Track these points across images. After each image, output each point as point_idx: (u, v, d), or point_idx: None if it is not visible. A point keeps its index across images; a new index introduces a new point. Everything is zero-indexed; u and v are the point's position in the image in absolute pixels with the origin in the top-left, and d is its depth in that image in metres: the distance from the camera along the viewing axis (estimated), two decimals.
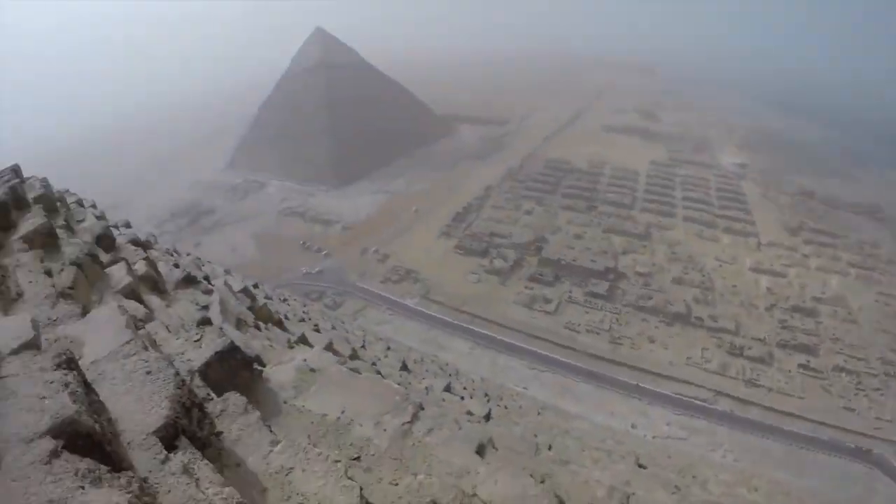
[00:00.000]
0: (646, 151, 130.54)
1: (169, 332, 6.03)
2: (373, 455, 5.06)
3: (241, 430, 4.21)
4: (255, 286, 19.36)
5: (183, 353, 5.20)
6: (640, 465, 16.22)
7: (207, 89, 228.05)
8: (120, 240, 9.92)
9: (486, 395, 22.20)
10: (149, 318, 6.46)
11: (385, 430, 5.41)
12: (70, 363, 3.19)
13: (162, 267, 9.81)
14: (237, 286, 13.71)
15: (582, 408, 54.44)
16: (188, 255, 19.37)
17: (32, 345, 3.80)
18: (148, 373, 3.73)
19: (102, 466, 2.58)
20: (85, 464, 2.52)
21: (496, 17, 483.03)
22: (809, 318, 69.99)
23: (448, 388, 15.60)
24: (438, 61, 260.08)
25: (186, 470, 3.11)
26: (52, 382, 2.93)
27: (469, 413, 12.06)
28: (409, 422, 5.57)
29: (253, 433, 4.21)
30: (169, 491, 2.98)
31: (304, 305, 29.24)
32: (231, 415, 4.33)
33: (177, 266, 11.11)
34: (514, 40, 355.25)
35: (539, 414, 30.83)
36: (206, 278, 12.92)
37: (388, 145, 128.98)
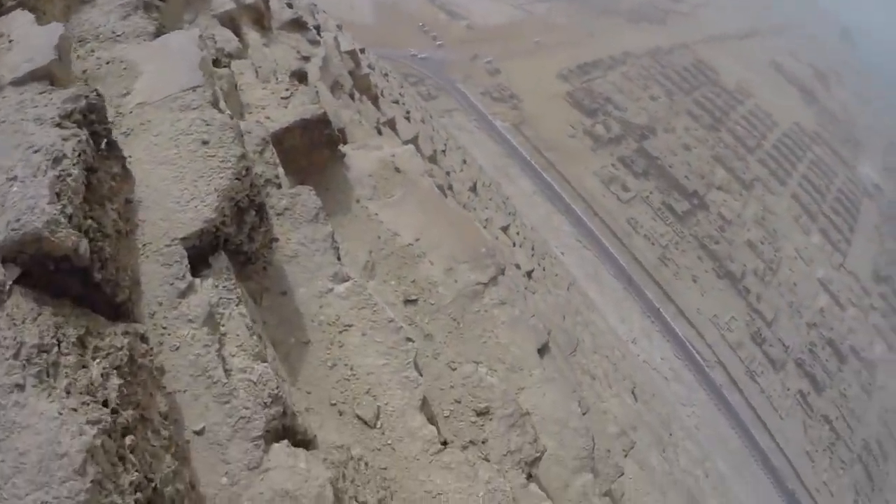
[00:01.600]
0: (795, 110, 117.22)
1: (257, 77, 5.13)
2: (432, 304, 4.44)
3: (302, 244, 3.48)
4: (363, 51, 17.58)
5: (263, 109, 4.55)
6: (633, 394, 17.27)
7: None
8: None
9: (533, 248, 21.35)
10: (239, 54, 5.42)
11: (456, 281, 4.70)
12: (90, 113, 2.26)
13: (273, 3, 8.50)
14: (345, 45, 12.67)
15: (602, 299, 52.64)
16: None
17: (46, 75, 2.54)
18: (204, 143, 2.83)
19: (70, 329, 1.76)
20: (43, 322, 1.69)
21: None
22: (836, 360, 67.20)
23: (505, 229, 15.15)
24: None
25: (212, 316, 2.40)
26: (37, 151, 1.92)
27: (516, 266, 11.86)
28: (484, 283, 4.78)
29: (315, 254, 3.45)
30: (177, 347, 2.30)
31: (401, 87, 27.43)
32: (296, 218, 3.55)
33: (290, 6, 9.54)
34: None
35: (567, 289, 28.99)
36: (317, 28, 11.27)
37: None
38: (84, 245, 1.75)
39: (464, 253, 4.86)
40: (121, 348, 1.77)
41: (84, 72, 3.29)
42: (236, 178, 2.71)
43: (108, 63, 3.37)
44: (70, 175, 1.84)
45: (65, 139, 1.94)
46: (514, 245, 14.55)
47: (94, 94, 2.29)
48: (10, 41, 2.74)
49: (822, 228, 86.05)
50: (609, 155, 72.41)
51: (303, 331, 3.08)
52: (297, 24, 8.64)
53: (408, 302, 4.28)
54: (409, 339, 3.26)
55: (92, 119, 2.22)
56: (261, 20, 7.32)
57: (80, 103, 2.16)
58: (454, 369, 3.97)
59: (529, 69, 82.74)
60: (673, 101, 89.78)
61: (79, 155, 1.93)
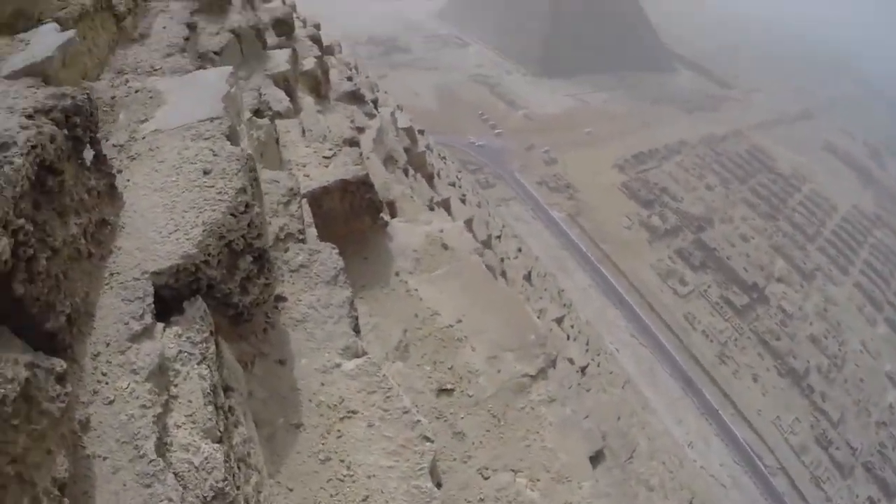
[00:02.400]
0: (853, 192, 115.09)
1: (303, 136, 5.04)
2: (470, 396, 3.94)
3: (313, 308, 3.02)
4: (421, 132, 17.24)
5: (304, 167, 4.40)
6: None
7: None
8: (300, 32, 8.53)
9: (587, 343, 20.45)
10: (288, 115, 5.26)
11: (499, 371, 4.22)
12: (74, 115, 2.08)
13: (333, 74, 8.63)
14: (402, 123, 12.41)
15: (657, 399, 52.15)
16: (367, 77, 17.30)
17: (40, 72, 2.63)
18: (206, 172, 2.62)
19: None
20: None
21: None
22: None
23: (559, 321, 14.41)
24: None
25: (162, 371, 1.92)
26: None
27: (570, 361, 11.35)
28: (532, 375, 4.28)
29: (327, 321, 2.99)
30: (111, 400, 1.82)
31: (459, 171, 27.64)
32: (311, 277, 3.17)
33: (350, 80, 9.59)
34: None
35: (623, 388, 29.47)
36: (374, 102, 11.24)
37: (602, 55, 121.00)
38: (4, 244, 1.48)
39: (511, 339, 4.42)
40: (11, 381, 1.36)
41: (112, 98, 3.26)
42: (231, 214, 2.42)
43: (136, 91, 3.33)
44: (11, 163, 1.62)
45: (24, 128, 1.78)
46: (568, 338, 13.99)
47: (85, 97, 2.17)
48: (27, 44, 2.80)
49: (889, 318, 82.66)
50: (666, 247, 72.52)
51: (296, 411, 2.60)
52: (355, 97, 8.60)
53: (441, 392, 3.85)
54: (426, 439, 2.68)
55: (75, 122, 2.08)
56: (317, 88, 7.33)
57: (63, 101, 2.04)
58: (487, 478, 3.47)
59: (585, 159, 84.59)
60: (729, 190, 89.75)
61: (33, 147, 1.75)
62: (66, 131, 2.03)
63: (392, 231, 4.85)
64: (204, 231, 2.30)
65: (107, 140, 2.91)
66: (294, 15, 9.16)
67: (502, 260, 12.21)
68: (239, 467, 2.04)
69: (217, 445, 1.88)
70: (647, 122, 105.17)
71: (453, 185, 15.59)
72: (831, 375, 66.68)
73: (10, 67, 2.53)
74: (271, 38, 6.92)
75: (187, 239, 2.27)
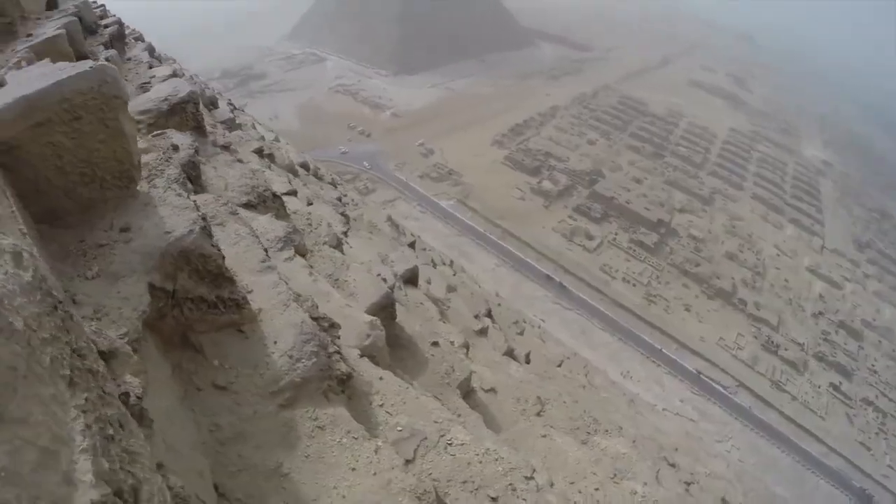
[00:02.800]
0: (728, 117, 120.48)
1: None
2: None
3: None
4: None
5: None
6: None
7: None
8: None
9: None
10: None
11: None
12: None
13: None
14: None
15: (597, 357, 49.54)
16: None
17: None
18: None
19: None
20: None
21: None
22: (853, 339, 65.33)
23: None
24: None
25: None
26: None
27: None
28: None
29: None
30: None
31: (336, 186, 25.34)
32: None
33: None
34: None
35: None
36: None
37: (460, 44, 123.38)
38: None
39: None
40: None
41: None
42: None
43: None
44: None
45: None
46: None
47: None
48: None
49: (793, 218, 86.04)
50: (564, 207, 71.50)
51: None
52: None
53: None
54: None
55: None
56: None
57: None
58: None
59: (463, 143, 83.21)
60: (611, 141, 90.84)
61: None
62: None
63: None
64: None
65: None
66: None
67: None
68: None
69: None
70: (517, 96, 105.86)
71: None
72: (757, 285, 67.44)
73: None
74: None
75: None
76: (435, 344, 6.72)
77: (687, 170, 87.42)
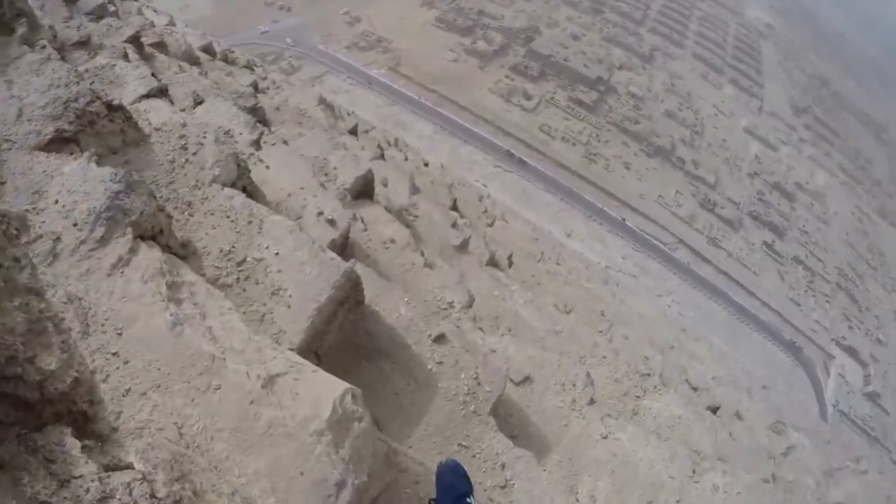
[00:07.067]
0: None
1: None
2: None
3: None
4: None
5: None
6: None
7: None
8: None
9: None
10: None
11: None
12: None
13: None
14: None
15: (540, 218, 47.50)
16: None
17: None
18: None
19: None
20: None
21: None
22: (786, 200, 66.35)
23: None
24: None
25: None
26: None
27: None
28: None
29: None
30: None
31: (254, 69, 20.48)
32: None
33: None
34: None
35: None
36: None
37: None
38: None
39: None
40: None
41: None
42: None
43: None
44: None
45: None
46: None
47: None
48: None
49: (732, 79, 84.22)
50: (500, 67, 66.87)
51: None
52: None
53: None
54: None
55: None
56: None
57: None
58: None
59: (390, 7, 75.69)
60: None
61: None
62: None
63: None
64: None
65: None
66: None
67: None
68: None
69: None
70: None
71: None
72: (696, 143, 66.50)
73: None
74: None
75: None
76: (440, 339, 4.38)
77: (627, 26, 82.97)
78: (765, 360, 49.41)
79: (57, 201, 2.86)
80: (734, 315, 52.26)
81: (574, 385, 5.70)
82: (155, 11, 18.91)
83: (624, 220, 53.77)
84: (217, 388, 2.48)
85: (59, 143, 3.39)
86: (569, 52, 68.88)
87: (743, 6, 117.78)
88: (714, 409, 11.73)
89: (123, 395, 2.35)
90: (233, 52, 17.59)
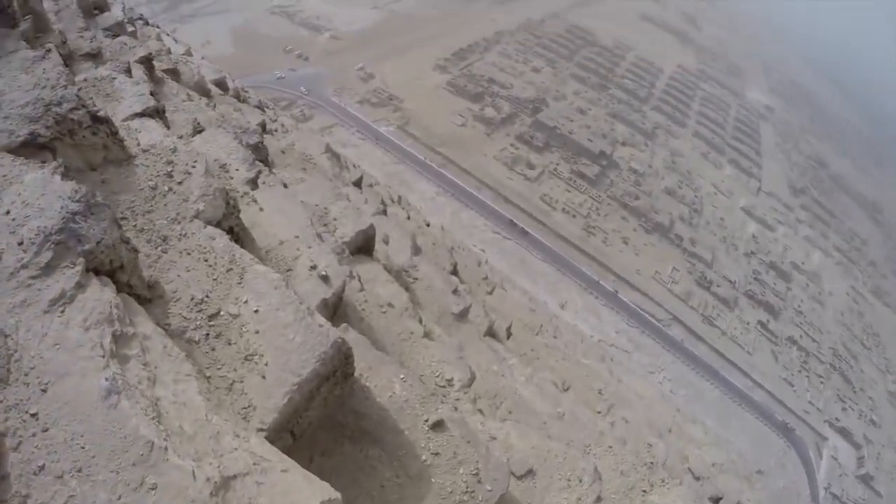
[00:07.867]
0: (676, 54, 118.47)
1: None
2: None
3: None
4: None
5: None
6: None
7: None
8: None
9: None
10: None
11: None
12: None
13: None
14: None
15: (535, 288, 47.96)
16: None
17: None
18: None
19: None
20: None
21: None
22: (782, 280, 66.98)
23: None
24: None
25: None
26: None
27: None
28: None
29: None
30: None
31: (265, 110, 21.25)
32: None
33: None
34: None
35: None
36: None
37: None
38: None
39: None
40: None
41: None
42: None
43: None
44: None
45: None
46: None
47: None
48: None
49: (732, 159, 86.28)
50: (505, 136, 68.43)
51: None
52: None
53: None
54: None
55: None
56: None
57: None
58: None
59: (404, 67, 78.03)
60: (556, 69, 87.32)
61: None
62: None
63: None
64: None
65: None
66: None
67: None
68: None
69: None
70: (461, 19, 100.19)
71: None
72: (694, 221, 67.40)
73: None
74: None
75: None
76: (437, 426, 3.94)
77: (631, 103, 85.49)
78: (757, 442, 49.35)
79: (8, 212, 2.56)
80: (726, 394, 52.20)
81: (581, 480, 5.31)
82: (175, 40, 19.64)
83: (616, 292, 54.16)
84: (152, 489, 2.06)
85: (33, 148, 3.13)
86: (574, 125, 70.72)
87: (744, 88, 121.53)
88: (717, 500, 11.91)
89: (35, 473, 1.99)
90: (246, 91, 17.66)
